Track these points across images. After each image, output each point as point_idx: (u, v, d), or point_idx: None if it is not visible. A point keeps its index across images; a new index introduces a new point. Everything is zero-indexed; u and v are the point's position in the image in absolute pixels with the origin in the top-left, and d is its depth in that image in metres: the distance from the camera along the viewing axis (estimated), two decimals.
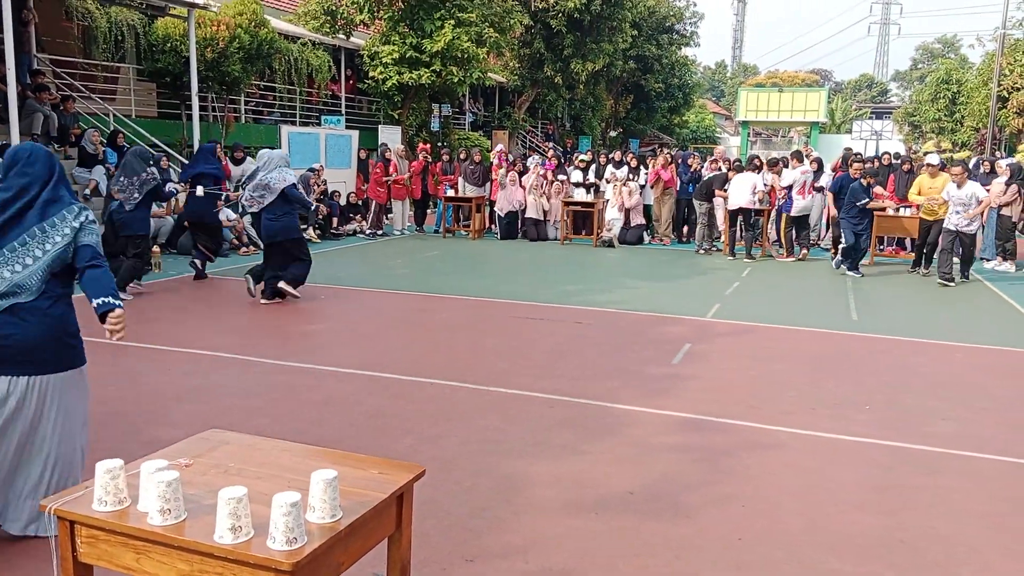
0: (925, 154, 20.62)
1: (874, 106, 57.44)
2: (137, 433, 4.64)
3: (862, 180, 11.37)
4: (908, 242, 13.51)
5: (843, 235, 11.49)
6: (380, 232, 15.13)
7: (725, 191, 13.37)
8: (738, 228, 13.30)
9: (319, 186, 14.19)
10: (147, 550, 1.99)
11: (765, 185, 12.95)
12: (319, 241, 13.97)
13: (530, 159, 17.10)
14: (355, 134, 17.53)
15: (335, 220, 14.60)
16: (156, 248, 10.86)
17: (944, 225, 10.91)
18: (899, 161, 14.91)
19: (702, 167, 14.82)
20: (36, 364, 3.15)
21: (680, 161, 15.40)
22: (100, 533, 2.04)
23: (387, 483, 2.25)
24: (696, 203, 13.95)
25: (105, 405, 5.20)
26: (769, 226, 13.49)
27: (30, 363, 3.13)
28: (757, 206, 12.76)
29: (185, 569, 1.96)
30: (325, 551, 1.94)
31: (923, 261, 11.87)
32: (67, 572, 2.10)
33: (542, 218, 15.19)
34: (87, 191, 11.84)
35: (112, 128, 13.65)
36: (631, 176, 15.19)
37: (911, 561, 3.46)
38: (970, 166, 13.60)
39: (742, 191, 12.66)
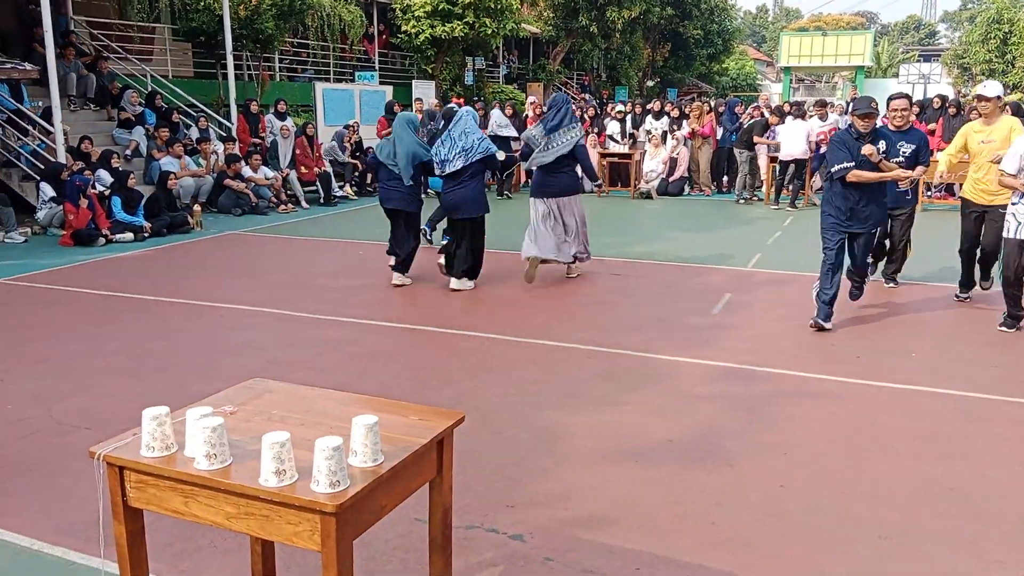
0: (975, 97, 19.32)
1: (922, 49, 55.47)
2: (183, 386, 4.73)
3: (852, 126, 5.86)
4: (957, 187, 13.08)
5: (822, 238, 6.07)
6: None
7: (765, 138, 13.05)
8: (786, 177, 12.97)
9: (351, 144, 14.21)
10: (194, 494, 2.03)
11: (819, 134, 12.59)
12: (356, 198, 14.01)
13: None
14: (389, 89, 17.45)
15: (370, 176, 14.59)
16: (197, 207, 10.99)
17: (1006, 233, 5.95)
18: (945, 104, 14.33)
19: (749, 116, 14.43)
20: (566, 193, 7.47)
21: (726, 109, 15.04)
22: (149, 478, 2.08)
23: (427, 429, 2.25)
24: (737, 152, 13.65)
25: (151, 359, 5.32)
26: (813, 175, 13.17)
27: (563, 193, 7.46)
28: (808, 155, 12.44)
29: (232, 512, 1.99)
30: (368, 494, 1.95)
31: (974, 277, 6.88)
32: (118, 516, 2.15)
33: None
34: (128, 152, 11.98)
35: (150, 89, 13.75)
36: (674, 127, 14.91)
37: (961, 509, 3.40)
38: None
39: (795, 140, 12.34)
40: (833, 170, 5.77)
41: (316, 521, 1.89)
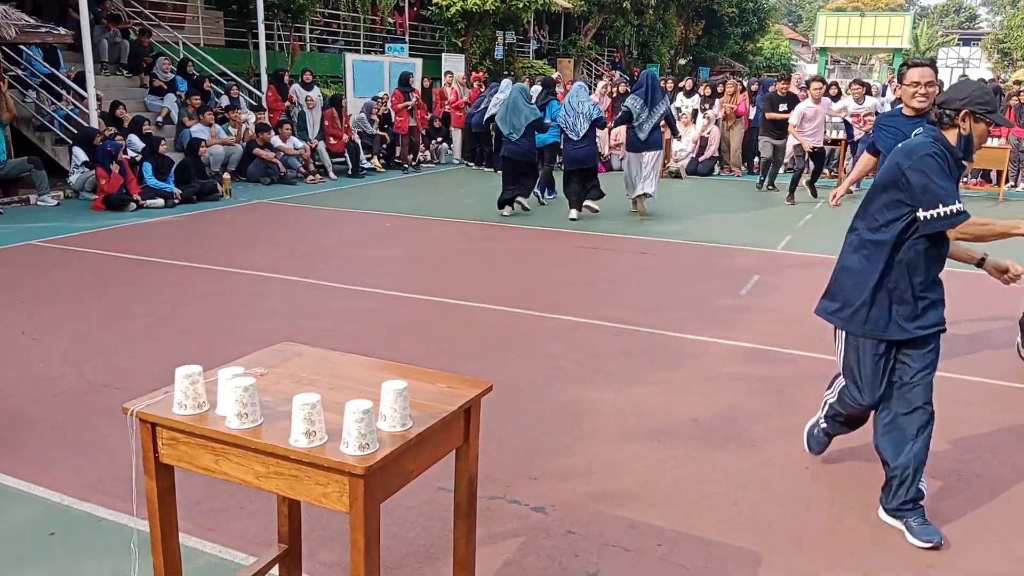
0: (1017, 83, 18.73)
1: (962, 32, 54.26)
2: (210, 350, 4.78)
3: (955, 134, 2.92)
4: (993, 175, 12.80)
5: (844, 370, 3.48)
6: (407, 166, 14.25)
7: (780, 111, 12.74)
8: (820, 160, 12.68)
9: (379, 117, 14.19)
10: (225, 452, 2.05)
11: (854, 116, 12.26)
12: (383, 170, 14.01)
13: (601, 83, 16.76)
14: (419, 62, 17.36)
15: (398, 150, 14.58)
16: (227, 175, 11.06)
17: None
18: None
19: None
20: (656, 148, 9.71)
21: (760, 88, 14.73)
22: (180, 435, 2.10)
23: (455, 396, 2.25)
24: (760, 140, 13.27)
25: (179, 322, 5.38)
26: (846, 160, 12.93)
27: (655, 147, 9.69)
28: (827, 136, 12.13)
29: (261, 471, 2.01)
30: (396, 458, 1.96)
31: None
32: (149, 472, 2.18)
33: (605, 151, 14.86)
34: (159, 119, 12.06)
35: (182, 56, 13.80)
36: (705, 106, 14.70)
37: (988, 496, 3.36)
38: None
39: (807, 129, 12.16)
40: (940, 212, 2.81)
41: (345, 483, 1.90)
